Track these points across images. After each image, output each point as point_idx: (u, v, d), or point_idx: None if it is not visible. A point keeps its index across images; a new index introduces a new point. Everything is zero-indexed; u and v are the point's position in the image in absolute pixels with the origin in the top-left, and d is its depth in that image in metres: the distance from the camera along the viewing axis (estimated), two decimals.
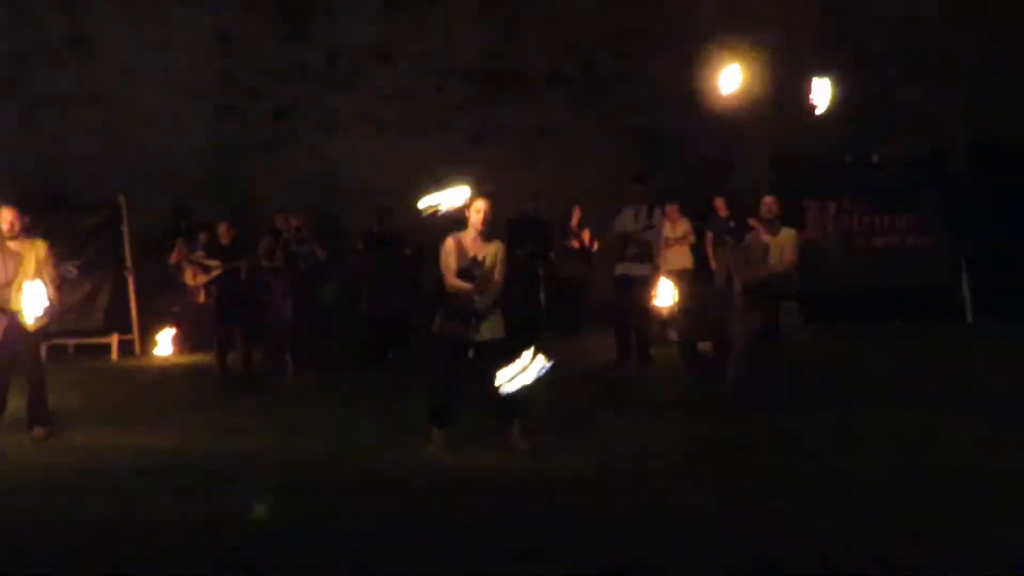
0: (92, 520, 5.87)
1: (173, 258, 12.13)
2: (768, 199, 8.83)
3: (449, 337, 7.40)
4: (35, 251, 8.27)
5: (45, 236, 12.27)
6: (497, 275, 7.41)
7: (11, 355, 8.15)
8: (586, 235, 13.33)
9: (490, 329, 7.40)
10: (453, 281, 7.42)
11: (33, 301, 8.09)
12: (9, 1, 15.59)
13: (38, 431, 8.21)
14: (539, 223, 13.41)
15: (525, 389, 7.19)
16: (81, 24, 15.84)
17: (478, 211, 7.42)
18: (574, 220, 13.33)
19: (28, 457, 7.49)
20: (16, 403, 8.31)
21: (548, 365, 7.16)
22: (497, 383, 7.19)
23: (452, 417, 7.48)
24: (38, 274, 8.20)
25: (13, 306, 8.08)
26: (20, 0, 15.65)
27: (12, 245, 8.19)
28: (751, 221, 11.29)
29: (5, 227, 8.16)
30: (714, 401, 8.87)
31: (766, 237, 8.80)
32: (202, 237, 12.09)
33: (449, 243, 7.48)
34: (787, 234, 8.84)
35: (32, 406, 8.31)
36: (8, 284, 8.09)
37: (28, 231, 8.34)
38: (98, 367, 12.19)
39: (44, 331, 8.44)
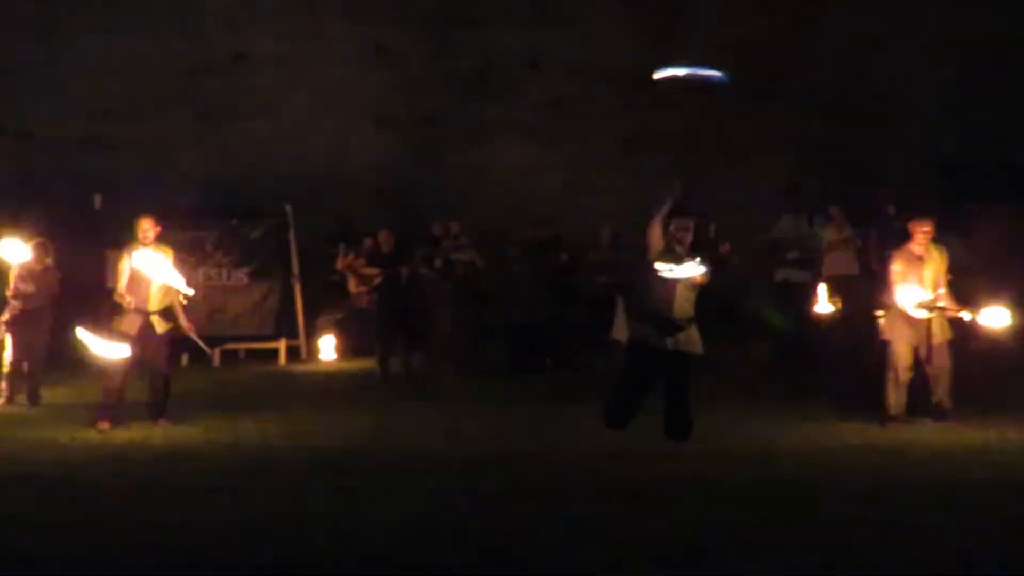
0: (257, 516, 6.06)
1: (340, 264, 12.51)
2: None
3: (643, 342, 7.42)
4: (164, 256, 8.83)
5: (217, 245, 13.15)
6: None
7: (141, 352, 8.73)
8: (725, 247, 12.97)
9: (689, 342, 7.40)
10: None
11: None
12: (179, 19, 16.32)
13: (163, 423, 8.78)
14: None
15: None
16: (245, 40, 16.46)
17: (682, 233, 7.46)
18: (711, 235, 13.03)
19: (199, 455, 7.79)
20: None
21: None
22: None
23: (625, 422, 7.48)
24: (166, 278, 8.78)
25: (149, 307, 8.72)
26: (189, 18, 16.36)
27: (146, 252, 8.77)
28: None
29: (142, 236, 8.75)
30: (876, 409, 8.70)
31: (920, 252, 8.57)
32: (366, 244, 12.41)
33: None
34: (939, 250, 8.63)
35: (152, 402, 8.89)
36: (144, 288, 8.68)
37: (160, 240, 8.89)
38: (267, 371, 12.63)
39: (170, 334, 8.97)
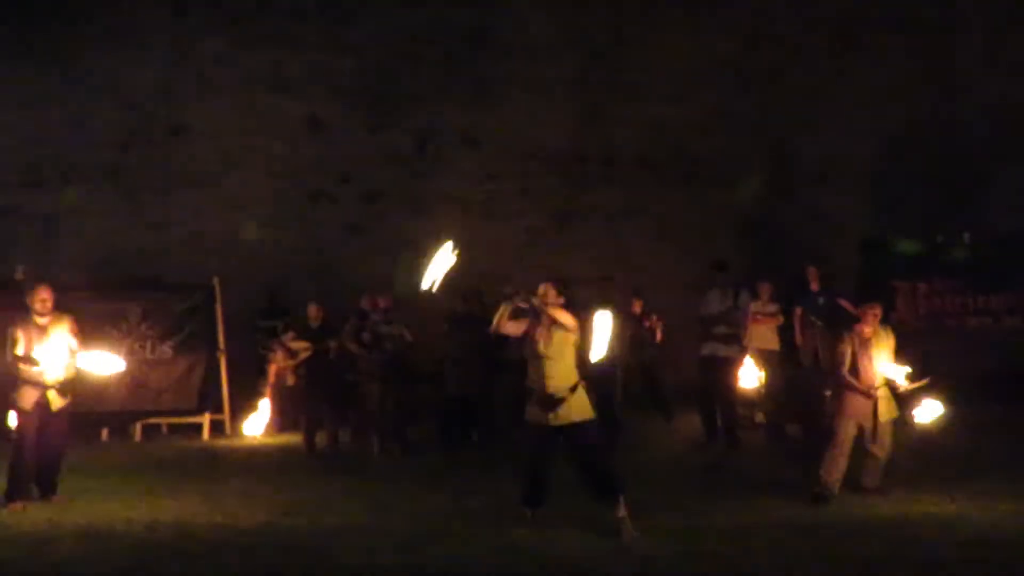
0: None
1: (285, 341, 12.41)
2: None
3: (532, 421, 7.48)
4: (62, 327, 8.60)
5: (143, 318, 12.92)
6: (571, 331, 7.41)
7: (40, 428, 8.49)
8: (653, 321, 13.00)
9: (575, 411, 7.38)
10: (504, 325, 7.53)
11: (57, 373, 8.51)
12: (114, 92, 16.24)
13: (56, 499, 8.55)
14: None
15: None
16: (181, 114, 16.42)
17: (541, 296, 7.47)
18: (636, 309, 13.05)
19: (117, 535, 7.61)
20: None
21: None
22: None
23: (540, 500, 7.54)
24: (64, 349, 8.57)
25: (45, 381, 8.48)
26: (125, 91, 16.29)
27: (41, 322, 8.55)
28: (842, 303, 11.20)
29: (38, 305, 8.51)
30: (804, 486, 8.70)
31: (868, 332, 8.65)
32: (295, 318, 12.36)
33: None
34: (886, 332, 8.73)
35: (40, 475, 8.61)
36: (39, 360, 8.43)
37: (57, 308, 8.63)
38: (190, 446, 12.37)
39: (68, 409, 8.69)
